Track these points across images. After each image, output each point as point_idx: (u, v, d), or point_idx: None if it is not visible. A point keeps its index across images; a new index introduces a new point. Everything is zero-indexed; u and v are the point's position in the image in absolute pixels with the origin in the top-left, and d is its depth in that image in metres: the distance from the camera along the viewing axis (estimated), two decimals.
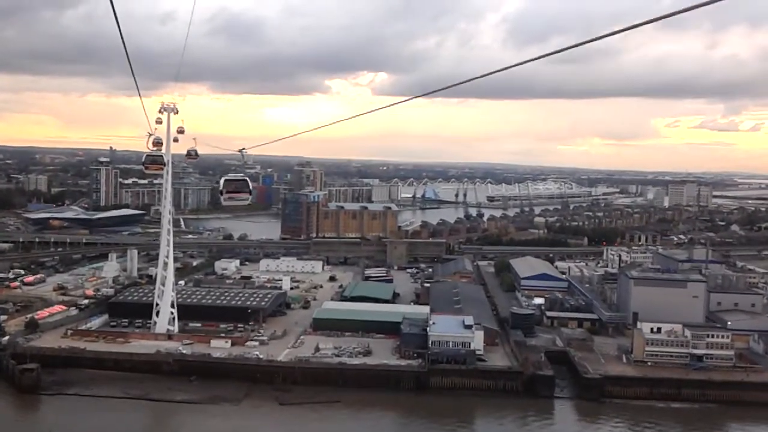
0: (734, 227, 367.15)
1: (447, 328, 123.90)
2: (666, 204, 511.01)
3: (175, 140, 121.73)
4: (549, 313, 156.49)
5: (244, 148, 51.53)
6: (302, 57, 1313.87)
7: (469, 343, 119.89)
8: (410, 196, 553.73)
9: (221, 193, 50.43)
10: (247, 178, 51.18)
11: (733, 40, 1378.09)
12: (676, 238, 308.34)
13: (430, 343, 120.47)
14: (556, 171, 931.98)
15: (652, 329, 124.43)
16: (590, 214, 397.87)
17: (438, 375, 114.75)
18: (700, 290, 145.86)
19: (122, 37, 25.59)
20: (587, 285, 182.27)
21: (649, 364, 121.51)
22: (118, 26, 23.71)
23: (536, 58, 20.23)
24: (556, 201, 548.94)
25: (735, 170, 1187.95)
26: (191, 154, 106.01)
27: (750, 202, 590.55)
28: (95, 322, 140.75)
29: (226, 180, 50.72)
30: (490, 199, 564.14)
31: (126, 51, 27.77)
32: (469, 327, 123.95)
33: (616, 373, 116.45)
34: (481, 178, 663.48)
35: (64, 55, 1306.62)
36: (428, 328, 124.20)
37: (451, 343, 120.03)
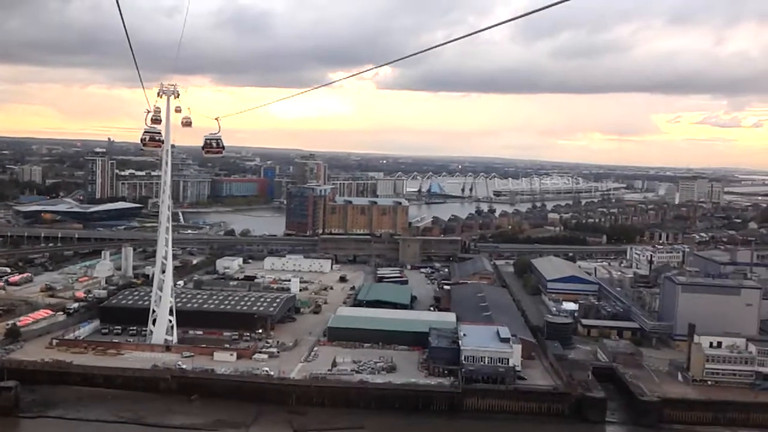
0: (752, 225, 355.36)
1: (481, 341, 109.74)
2: (677, 200, 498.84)
3: (177, 110, 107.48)
4: (584, 321, 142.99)
5: None
6: (307, 50, 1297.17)
7: (507, 359, 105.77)
8: (415, 190, 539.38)
9: None
10: None
11: (742, 35, 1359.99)
12: (697, 236, 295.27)
13: (462, 358, 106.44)
14: (556, 166, 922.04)
15: (711, 344, 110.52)
16: (604, 210, 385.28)
17: (473, 396, 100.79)
18: (754, 297, 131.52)
19: (124, 24, 23.44)
20: (619, 288, 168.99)
21: (709, 383, 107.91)
22: (121, 15, 21.67)
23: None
24: (564, 196, 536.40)
25: (735, 166, 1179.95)
26: (211, 145, 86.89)
27: (759, 198, 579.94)
28: (85, 330, 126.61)
29: None
30: (497, 193, 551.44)
31: (128, 37, 27.90)
32: (505, 340, 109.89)
33: (675, 395, 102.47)
34: (484, 173, 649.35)
35: (67, 46, 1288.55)
36: (460, 341, 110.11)
37: (486, 359, 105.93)
